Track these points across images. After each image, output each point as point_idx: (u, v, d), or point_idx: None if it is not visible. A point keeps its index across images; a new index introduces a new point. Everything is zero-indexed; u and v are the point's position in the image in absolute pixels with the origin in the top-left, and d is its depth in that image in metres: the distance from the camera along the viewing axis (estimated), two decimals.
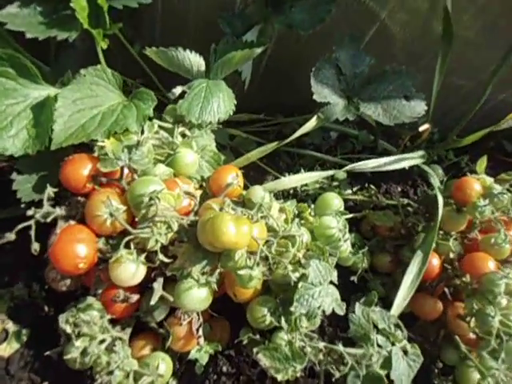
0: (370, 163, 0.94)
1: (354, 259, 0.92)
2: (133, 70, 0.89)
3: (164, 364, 0.66)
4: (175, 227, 0.60)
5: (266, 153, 0.88)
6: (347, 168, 0.91)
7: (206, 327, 0.72)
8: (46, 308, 0.74)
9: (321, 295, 0.65)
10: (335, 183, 1.11)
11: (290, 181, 0.85)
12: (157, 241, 0.58)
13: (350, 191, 1.11)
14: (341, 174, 1.09)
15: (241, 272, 0.59)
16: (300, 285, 0.64)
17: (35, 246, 0.56)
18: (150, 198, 0.59)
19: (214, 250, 0.61)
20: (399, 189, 1.24)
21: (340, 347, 0.63)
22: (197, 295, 0.61)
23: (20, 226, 0.57)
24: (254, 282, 0.61)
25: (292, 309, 0.64)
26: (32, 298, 0.74)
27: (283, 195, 1.09)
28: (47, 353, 0.65)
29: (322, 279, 0.66)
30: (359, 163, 0.94)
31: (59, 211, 0.62)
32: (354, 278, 0.90)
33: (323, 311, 0.65)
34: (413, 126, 1.21)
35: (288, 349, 0.65)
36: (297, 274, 0.68)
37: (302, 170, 1.03)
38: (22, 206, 0.71)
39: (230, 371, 0.80)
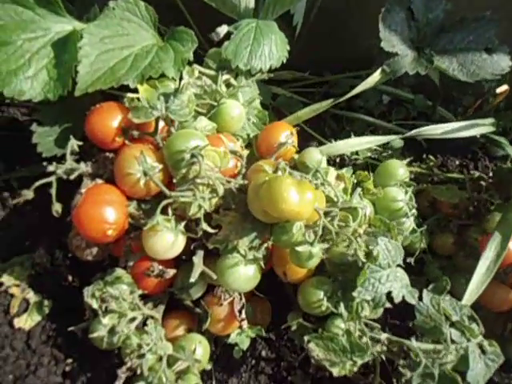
0: (437, 129, 0.80)
1: (410, 238, 0.80)
2: (167, 18, 0.77)
3: (201, 348, 0.58)
4: (221, 191, 0.50)
5: (319, 111, 0.76)
6: (412, 133, 0.78)
7: (247, 308, 0.63)
8: (70, 278, 0.67)
9: (389, 279, 0.55)
10: (387, 153, 0.98)
11: (346, 145, 0.73)
12: (200, 206, 0.48)
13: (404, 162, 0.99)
14: (397, 142, 0.95)
15: (299, 248, 0.49)
16: (366, 266, 0.53)
17: (56, 207, 0.47)
18: (192, 155, 0.49)
19: (267, 221, 0.50)
20: (457, 162, 1.09)
21: (413, 342, 0.53)
22: (243, 273, 0.52)
23: (39, 183, 0.48)
24: (314, 260, 0.50)
25: (354, 294, 0.53)
26: (54, 267, 0.66)
27: (329, 164, 0.97)
28: (71, 328, 0.58)
29: (390, 261, 0.55)
30: (425, 128, 0.80)
31: (84, 167, 0.52)
32: (411, 260, 0.79)
33: (391, 299, 0.54)
34: (476, 90, 1.05)
35: (346, 339, 0.56)
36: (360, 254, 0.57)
37: (353, 136, 0.91)
38: (44, 163, 0.63)
39: (269, 356, 0.72)
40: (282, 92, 0.96)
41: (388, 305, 0.54)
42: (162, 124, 0.58)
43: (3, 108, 0.86)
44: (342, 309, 0.55)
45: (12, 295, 0.62)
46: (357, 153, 0.95)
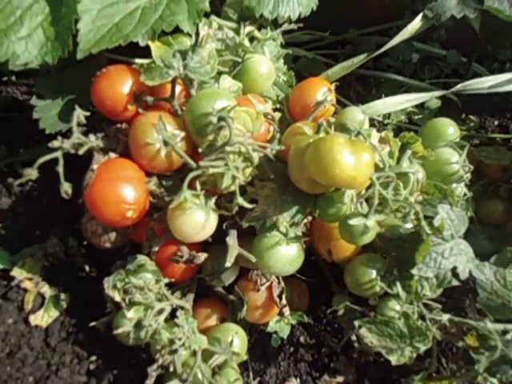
0: (484, 82, 0.71)
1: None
2: None
3: (238, 339, 0.52)
4: (256, 160, 0.42)
5: (352, 69, 0.68)
6: (458, 88, 0.69)
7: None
8: (87, 268, 0.61)
9: (453, 253, 0.47)
10: (423, 115, 0.89)
11: (385, 104, 0.65)
12: (234, 178, 0.40)
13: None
14: (434, 102, 0.86)
15: (352, 222, 0.41)
16: (427, 239, 0.45)
17: (65, 187, 0.40)
18: (220, 118, 0.41)
19: (311, 192, 0.43)
20: (495, 122, 1.00)
21: (488, 323, 0.45)
22: (285, 254, 0.45)
23: (43, 159, 0.40)
24: (370, 235, 0.43)
25: (414, 271, 0.46)
26: (69, 256, 0.60)
27: None
28: (93, 323, 0.52)
29: (454, 231, 0.48)
30: (471, 82, 0.71)
31: (94, 141, 0.45)
32: None
33: (457, 275, 0.47)
34: None
35: (403, 323, 0.49)
36: (408, 225, 0.50)
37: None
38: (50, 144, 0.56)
39: (308, 342, 0.66)
40: (303, 53, 0.87)
41: (455, 282, 0.47)
42: (178, 89, 0.50)
43: (1, 88, 0.79)
44: (398, 289, 0.48)
45: (25, 290, 0.56)
46: (388, 116, 0.86)
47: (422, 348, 0.47)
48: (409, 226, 0.51)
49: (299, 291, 0.63)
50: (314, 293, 0.64)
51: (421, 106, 0.90)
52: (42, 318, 0.55)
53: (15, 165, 0.67)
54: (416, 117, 0.90)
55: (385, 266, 0.50)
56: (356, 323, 0.50)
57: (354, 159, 0.36)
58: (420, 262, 0.46)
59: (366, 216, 0.42)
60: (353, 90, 0.96)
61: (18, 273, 0.56)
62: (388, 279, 0.49)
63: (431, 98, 0.70)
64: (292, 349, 0.64)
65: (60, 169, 0.40)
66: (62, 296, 0.57)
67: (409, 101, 0.67)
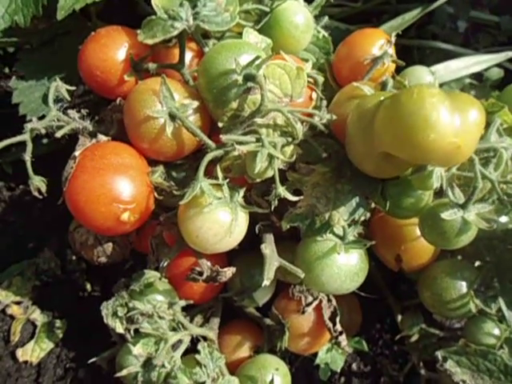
0: None
1: None
2: None
3: (279, 377, 0.40)
4: (299, 134, 0.30)
5: (403, 28, 0.55)
6: None
7: None
8: (89, 286, 0.51)
9: None
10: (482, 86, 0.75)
11: (448, 69, 0.53)
12: (271, 158, 0.28)
13: None
14: (496, 72, 0.73)
15: (446, 215, 0.28)
16: None
17: (36, 182, 0.29)
18: (247, 77, 0.29)
19: (379, 175, 0.30)
20: None
21: None
22: (344, 265, 0.32)
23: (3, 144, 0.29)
24: (470, 234, 0.30)
25: None
26: (67, 273, 0.51)
27: None
28: (92, 360, 0.41)
29: None
30: None
31: (78, 120, 0.34)
32: None
33: None
34: None
35: (508, 354, 0.35)
36: (504, 219, 0.37)
37: None
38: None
39: (362, 370, 0.54)
40: (335, 25, 0.74)
41: None
42: (189, 56, 0.39)
43: None
44: (502, 307, 0.34)
45: (12, 317, 0.46)
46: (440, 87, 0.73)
47: None
48: (503, 219, 0.38)
49: (350, 306, 0.51)
50: (365, 308, 0.52)
51: (477, 79, 0.77)
52: (33, 352, 0.45)
53: (4, 166, 0.58)
54: (473, 92, 0.77)
55: (476, 275, 0.36)
56: (439, 354, 0.37)
57: (457, 119, 0.23)
58: None
59: (463, 206, 0.29)
60: None
61: (2, 296, 0.46)
62: (485, 294, 0.35)
63: (505, 58, 0.56)
64: (343, 379, 0.53)
65: (27, 156, 0.29)
66: (58, 323, 0.48)
67: (478, 63, 0.54)
